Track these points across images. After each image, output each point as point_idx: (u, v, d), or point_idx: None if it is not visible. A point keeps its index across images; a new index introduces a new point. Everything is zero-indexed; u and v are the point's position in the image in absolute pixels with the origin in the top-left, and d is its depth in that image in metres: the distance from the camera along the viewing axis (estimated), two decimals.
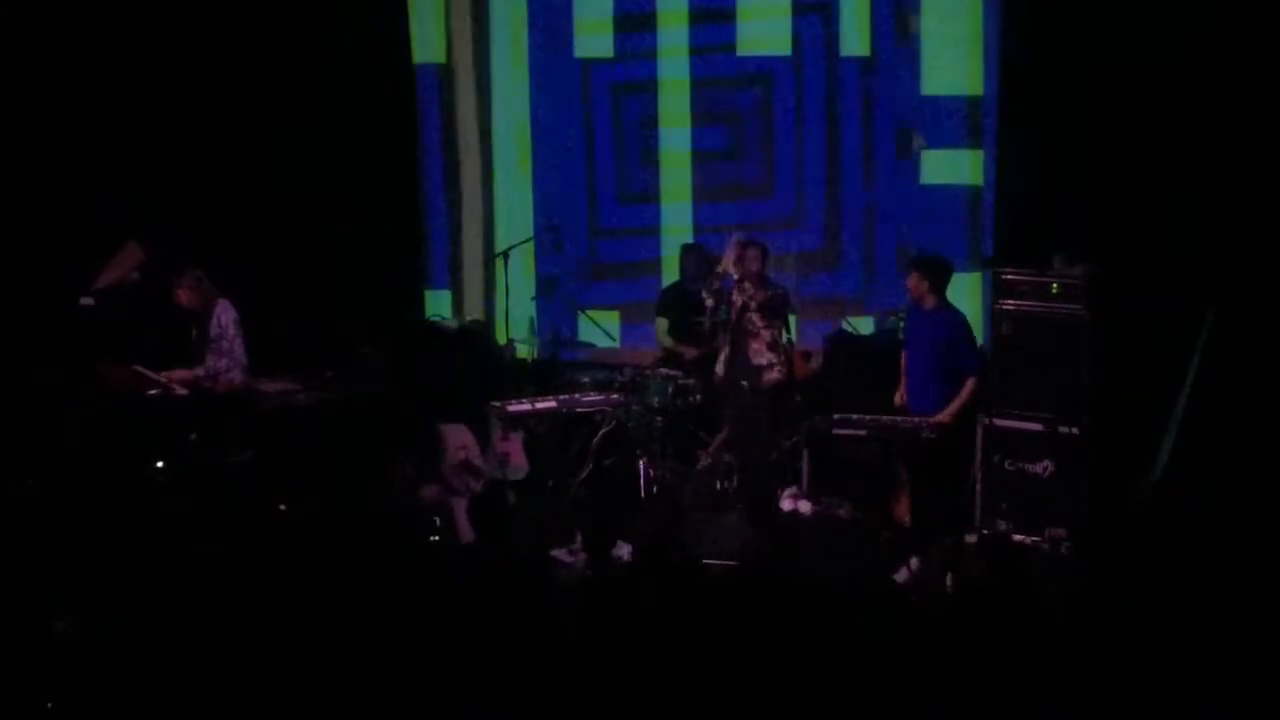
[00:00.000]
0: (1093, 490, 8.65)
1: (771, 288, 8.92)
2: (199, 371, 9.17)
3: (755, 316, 8.59)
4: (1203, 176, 8.97)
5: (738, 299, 8.83)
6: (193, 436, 8.94)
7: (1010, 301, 8.92)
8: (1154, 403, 8.74)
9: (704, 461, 9.75)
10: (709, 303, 9.09)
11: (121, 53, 10.53)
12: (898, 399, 8.99)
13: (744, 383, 8.58)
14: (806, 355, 10.38)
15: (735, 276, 8.96)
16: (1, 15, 10.18)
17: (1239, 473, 8.14)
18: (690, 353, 9.99)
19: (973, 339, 8.81)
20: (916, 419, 8.54)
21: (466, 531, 8.68)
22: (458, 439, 9.02)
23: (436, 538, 8.71)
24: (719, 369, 8.82)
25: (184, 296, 9.17)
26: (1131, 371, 8.94)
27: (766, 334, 8.62)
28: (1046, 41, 9.67)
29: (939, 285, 8.72)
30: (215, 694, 5.58)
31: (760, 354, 8.60)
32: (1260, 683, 5.63)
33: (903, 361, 9.05)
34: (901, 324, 9.50)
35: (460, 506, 8.82)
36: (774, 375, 8.63)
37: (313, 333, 10.48)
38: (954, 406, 8.62)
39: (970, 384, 8.66)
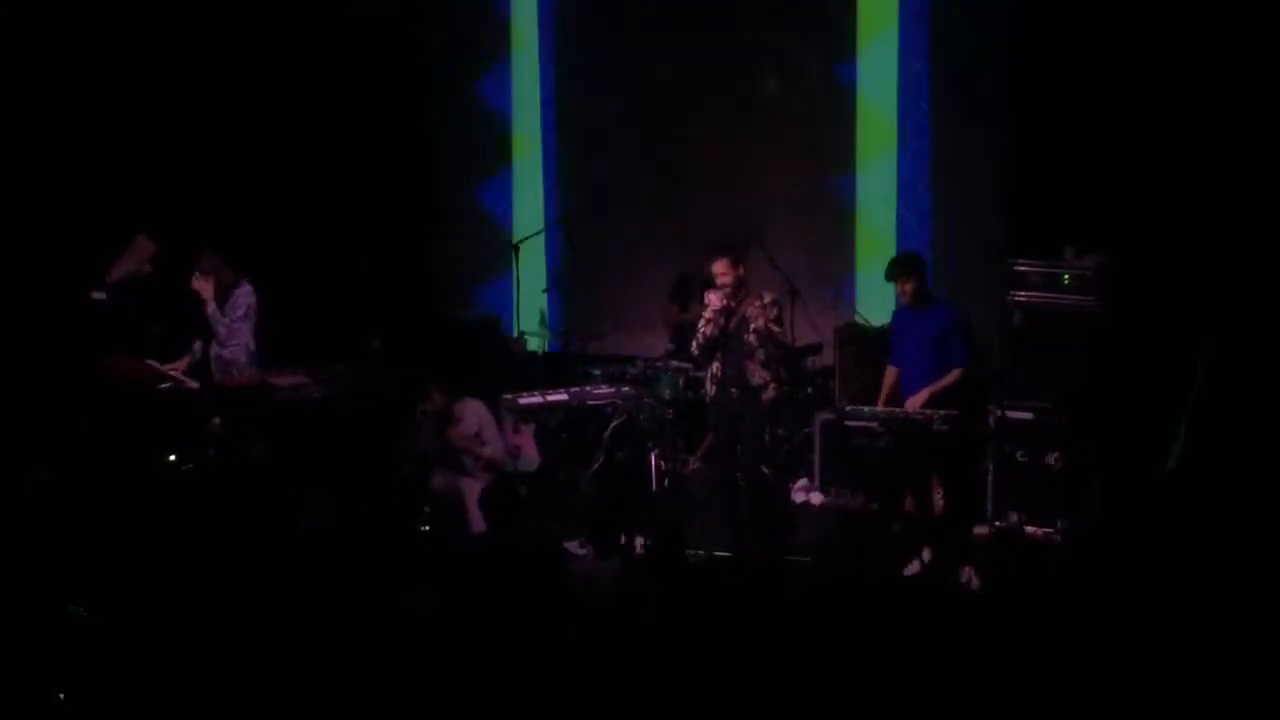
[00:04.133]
0: (1104, 482, 8.63)
1: (765, 304, 8.68)
2: (188, 358, 9.20)
3: (751, 337, 8.56)
4: (1214, 167, 8.95)
5: (716, 302, 8.66)
6: (214, 421, 8.97)
7: (1022, 293, 8.89)
8: (1166, 394, 8.71)
9: (693, 465, 9.75)
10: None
11: (130, 49, 10.55)
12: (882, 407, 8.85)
13: (733, 390, 8.58)
14: (819, 346, 10.40)
15: (721, 286, 8.74)
16: (12, 16, 10.20)
17: (1251, 465, 8.11)
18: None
19: (967, 334, 8.68)
20: (928, 411, 8.51)
21: (477, 519, 8.69)
22: (475, 412, 9.00)
23: (428, 527, 8.73)
24: (709, 387, 8.80)
25: (202, 282, 9.20)
26: (1143, 363, 8.92)
27: (761, 353, 8.58)
28: (1058, 31, 9.65)
29: (925, 282, 8.66)
30: (225, 683, 5.61)
31: (756, 373, 8.58)
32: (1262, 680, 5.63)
33: (888, 373, 8.87)
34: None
35: (472, 488, 8.83)
36: (771, 394, 8.63)
37: (324, 326, 10.50)
38: (924, 394, 8.51)
39: (954, 375, 8.53)
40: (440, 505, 8.89)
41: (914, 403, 8.45)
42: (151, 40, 10.63)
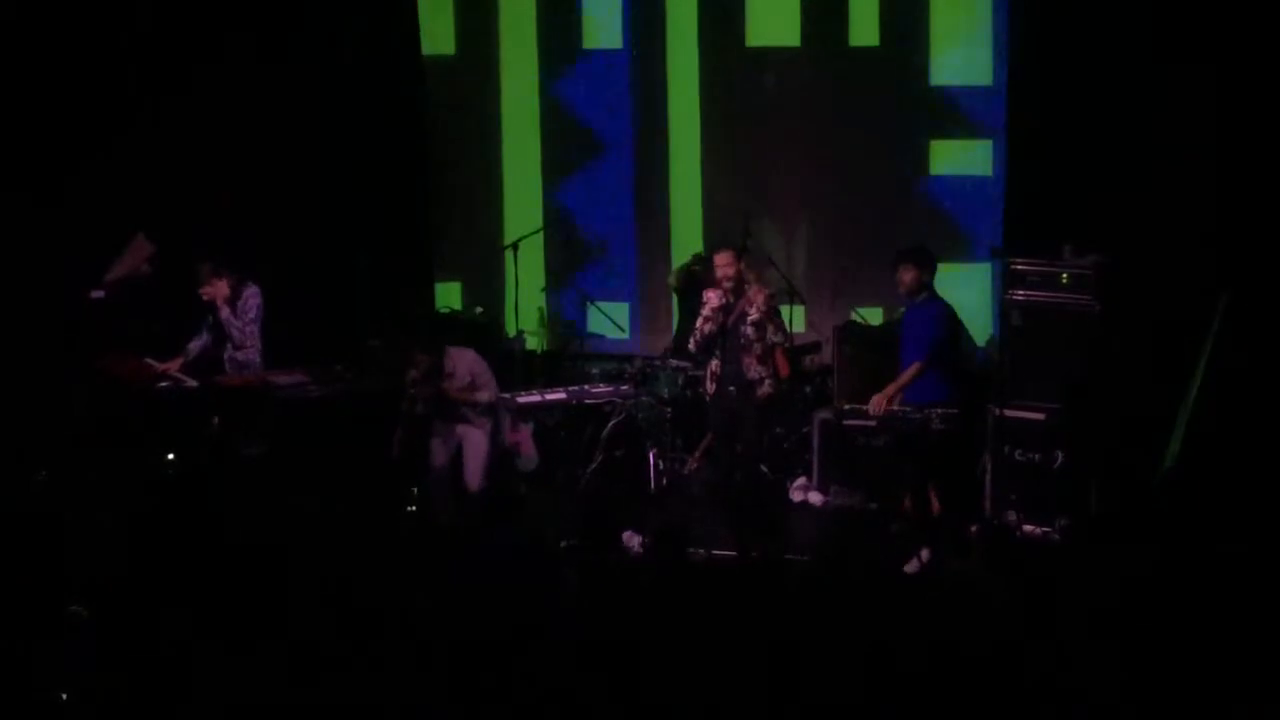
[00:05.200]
0: (1101, 480, 8.63)
1: (761, 299, 8.70)
2: (182, 358, 9.22)
3: (749, 330, 8.57)
4: (1213, 165, 8.96)
5: (715, 300, 8.68)
6: (215, 420, 8.97)
7: (1020, 292, 8.89)
8: (1164, 393, 8.73)
9: (691, 464, 9.77)
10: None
11: (133, 47, 10.55)
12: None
13: (731, 388, 8.60)
14: (817, 345, 10.40)
15: (721, 280, 8.77)
16: (10, 14, 10.20)
17: (1249, 462, 8.12)
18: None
19: (947, 330, 8.60)
20: (926, 410, 8.50)
21: (476, 471, 8.70)
22: (465, 361, 9.01)
23: (414, 508, 8.74)
24: (708, 383, 8.82)
25: (214, 287, 9.21)
26: (1141, 362, 8.93)
27: (758, 347, 8.61)
28: (1055, 30, 9.66)
29: (930, 277, 8.62)
30: (226, 682, 5.61)
31: (752, 368, 8.60)
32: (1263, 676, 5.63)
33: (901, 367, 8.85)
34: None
35: (471, 438, 8.82)
36: (766, 389, 8.65)
37: (322, 325, 10.50)
38: (889, 389, 8.47)
39: (910, 370, 8.49)
40: (435, 484, 8.90)
41: (875, 404, 8.42)
42: (152, 37, 10.61)
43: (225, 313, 9.24)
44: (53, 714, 5.54)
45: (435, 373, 8.81)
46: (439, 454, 8.92)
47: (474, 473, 8.86)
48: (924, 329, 8.49)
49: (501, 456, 9.10)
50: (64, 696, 5.50)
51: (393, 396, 9.01)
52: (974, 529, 8.59)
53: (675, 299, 10.77)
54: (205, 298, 9.24)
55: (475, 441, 8.90)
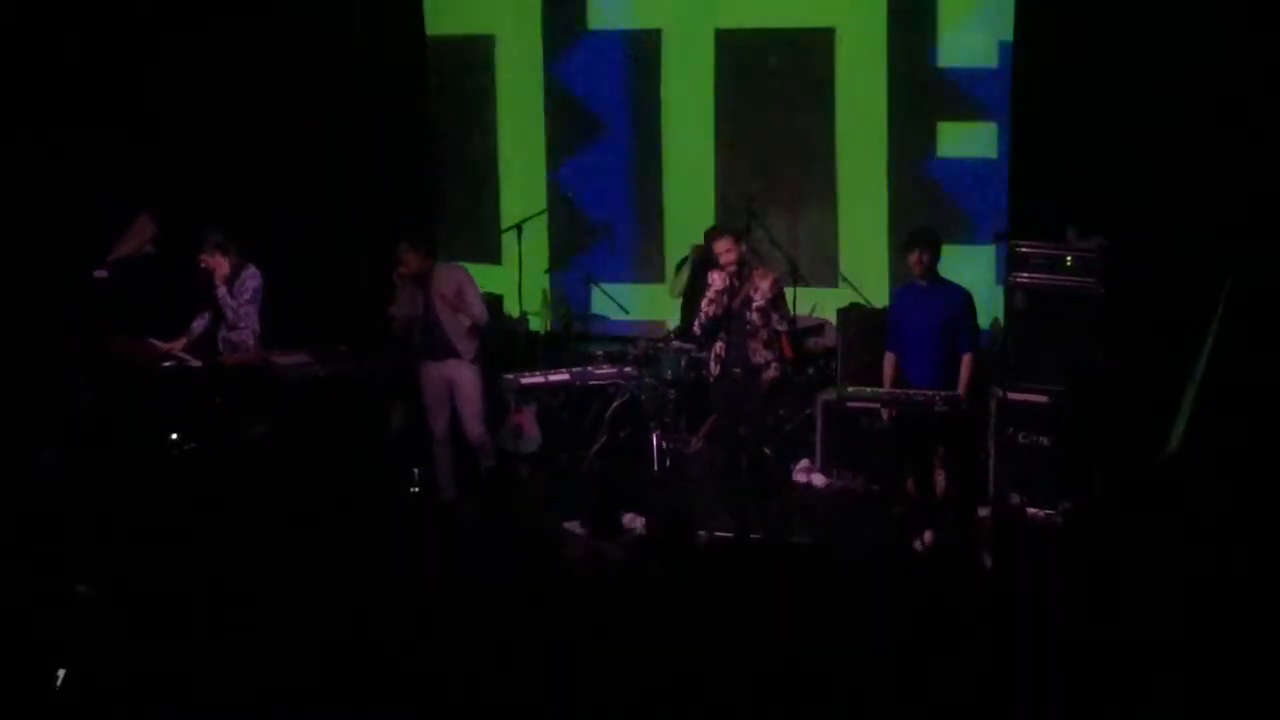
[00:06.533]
0: (1103, 464, 8.63)
1: (767, 283, 8.64)
2: (185, 338, 9.22)
3: (755, 315, 8.55)
4: (1219, 148, 8.93)
5: (719, 282, 8.65)
6: (217, 400, 8.97)
7: (1024, 274, 8.89)
8: (1169, 376, 8.71)
9: (695, 445, 9.77)
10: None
11: (138, 28, 10.52)
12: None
13: (736, 370, 8.58)
14: (820, 327, 10.40)
15: (724, 265, 8.72)
16: None
17: (1253, 448, 8.11)
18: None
19: (974, 316, 8.61)
20: (930, 392, 8.49)
21: (474, 416, 8.66)
22: (453, 274, 9.01)
23: (416, 489, 8.75)
24: (713, 367, 8.79)
25: (214, 260, 9.20)
26: (1145, 344, 8.92)
27: (764, 332, 8.59)
28: (1060, 12, 9.63)
29: (937, 260, 8.56)
30: (229, 665, 5.62)
31: (758, 353, 8.58)
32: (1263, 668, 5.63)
33: (887, 361, 8.70)
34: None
35: (462, 376, 8.80)
36: (771, 374, 8.62)
37: (326, 306, 10.49)
38: (965, 385, 8.46)
39: (968, 361, 8.46)
40: (439, 457, 8.90)
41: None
42: (157, 21, 10.59)
43: (222, 290, 9.24)
44: (55, 697, 5.55)
45: (423, 276, 8.81)
46: (437, 414, 8.92)
47: (472, 417, 8.87)
48: (939, 314, 8.41)
49: (495, 413, 9.09)
50: (60, 673, 5.49)
51: (397, 376, 9.03)
52: (984, 512, 8.60)
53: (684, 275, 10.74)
54: (203, 265, 9.23)
55: (467, 382, 8.88)
